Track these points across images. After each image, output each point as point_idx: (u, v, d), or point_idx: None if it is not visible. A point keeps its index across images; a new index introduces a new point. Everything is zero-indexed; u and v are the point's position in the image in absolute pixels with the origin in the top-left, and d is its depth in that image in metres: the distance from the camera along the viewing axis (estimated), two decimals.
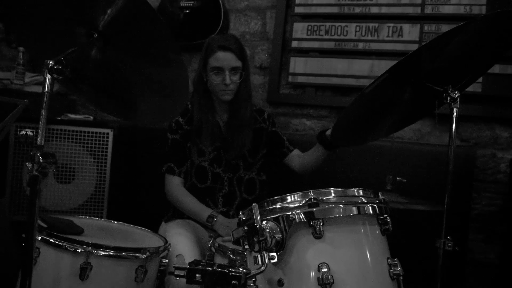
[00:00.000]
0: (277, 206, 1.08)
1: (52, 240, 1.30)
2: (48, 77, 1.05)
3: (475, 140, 2.19)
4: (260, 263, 0.96)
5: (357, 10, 2.33)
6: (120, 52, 1.20)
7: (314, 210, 1.01)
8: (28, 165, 1.02)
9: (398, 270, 1.05)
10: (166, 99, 1.26)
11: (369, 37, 2.30)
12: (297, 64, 2.41)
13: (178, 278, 0.94)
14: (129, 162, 2.38)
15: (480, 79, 2.10)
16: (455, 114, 1.30)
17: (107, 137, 2.19)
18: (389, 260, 1.06)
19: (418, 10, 2.24)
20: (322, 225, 1.00)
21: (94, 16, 1.15)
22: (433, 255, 1.35)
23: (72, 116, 2.22)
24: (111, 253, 1.30)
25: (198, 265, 0.93)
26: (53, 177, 2.11)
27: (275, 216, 1.03)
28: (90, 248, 1.28)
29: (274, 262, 0.97)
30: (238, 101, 1.85)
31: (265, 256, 0.96)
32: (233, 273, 0.92)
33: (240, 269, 0.94)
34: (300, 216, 1.01)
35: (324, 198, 1.05)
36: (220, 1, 2.50)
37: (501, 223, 2.14)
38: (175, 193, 1.83)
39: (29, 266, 1.01)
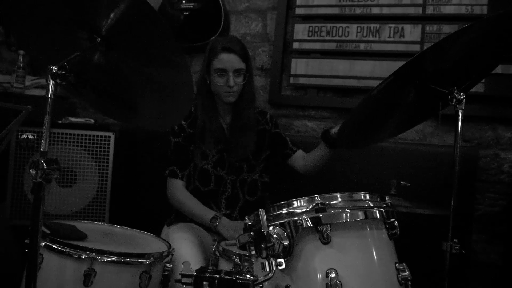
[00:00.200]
0: (283, 211, 1.07)
1: (55, 246, 1.29)
2: (51, 82, 1.03)
3: (477, 141, 2.19)
4: (267, 269, 0.95)
5: (358, 11, 2.32)
6: (123, 56, 1.19)
7: (322, 215, 1.00)
8: (32, 172, 1.00)
9: (406, 275, 1.04)
10: (170, 103, 1.24)
11: (371, 38, 2.29)
12: (299, 66, 2.40)
13: (185, 286, 0.93)
14: (131, 165, 2.37)
15: (483, 80, 2.09)
16: (460, 116, 1.29)
17: (109, 140, 2.18)
18: (397, 264, 1.05)
19: (419, 10, 2.23)
20: (330, 230, 0.99)
21: (96, 20, 1.13)
22: (437, 257, 1.34)
23: (73, 119, 2.21)
24: (115, 259, 1.29)
25: (205, 273, 0.92)
26: (55, 181, 2.09)
27: (281, 221, 1.02)
28: (94, 254, 1.27)
29: (281, 269, 0.96)
30: (241, 103, 1.84)
31: (273, 263, 0.95)
32: (241, 280, 0.91)
33: (248, 276, 0.93)
34: (308, 221, 1.00)
35: (331, 203, 1.04)
36: (221, 3, 2.49)
37: (504, 224, 2.13)
38: (177, 196, 1.82)
39: (33, 274, 0.99)
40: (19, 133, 2.03)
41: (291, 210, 1.06)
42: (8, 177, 2.07)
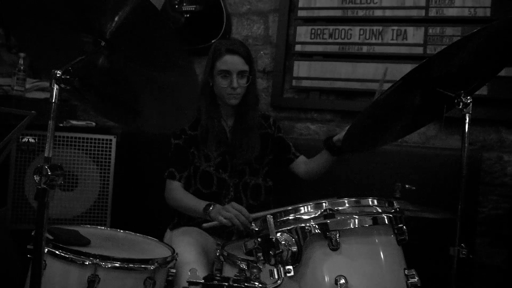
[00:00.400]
0: (290, 217, 1.06)
1: (58, 252, 1.28)
2: (55, 87, 1.02)
3: (481, 143, 2.18)
4: (276, 276, 0.93)
5: (361, 13, 2.31)
6: (127, 60, 1.18)
7: (330, 221, 0.99)
8: (36, 178, 0.99)
9: (415, 281, 1.03)
10: (175, 107, 1.23)
11: (373, 40, 2.28)
12: (301, 68, 2.39)
13: None
14: (133, 169, 2.35)
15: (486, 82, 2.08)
16: (467, 119, 1.29)
17: (110, 144, 2.16)
18: (406, 271, 1.04)
19: (422, 13, 2.22)
20: (339, 236, 0.98)
21: (101, 23, 1.12)
22: (441, 261, 1.33)
23: (75, 122, 2.19)
24: (119, 265, 1.28)
25: (213, 280, 0.90)
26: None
27: (289, 228, 1.01)
28: (98, 260, 1.26)
29: (290, 276, 0.95)
30: (245, 105, 1.84)
31: (281, 270, 0.93)
32: None
33: (256, 283, 0.92)
34: (316, 227, 0.99)
35: (339, 208, 1.03)
36: (222, 5, 2.47)
37: (508, 227, 2.12)
38: (173, 195, 1.80)
39: (37, 281, 0.98)
40: (20, 137, 2.01)
41: (298, 216, 1.05)
42: (9, 181, 2.05)
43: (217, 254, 1.49)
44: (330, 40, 2.35)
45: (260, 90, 2.47)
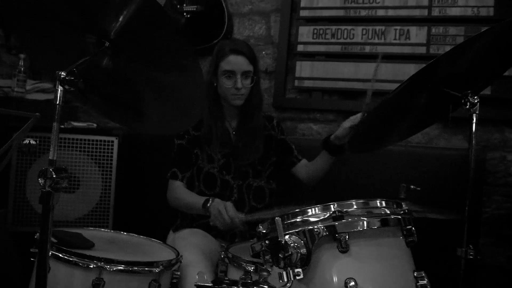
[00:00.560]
0: (298, 219, 1.04)
1: (61, 256, 1.26)
2: (60, 88, 1.00)
3: (484, 143, 2.17)
4: (285, 279, 0.92)
5: (363, 13, 2.30)
6: (131, 60, 1.16)
7: (338, 223, 0.98)
8: (41, 181, 0.97)
9: (425, 283, 1.02)
10: (180, 108, 1.22)
11: (376, 40, 2.27)
12: (303, 68, 2.38)
13: None
14: (135, 170, 2.34)
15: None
16: (474, 119, 1.28)
17: (112, 145, 2.15)
18: (415, 273, 1.03)
19: (425, 12, 2.21)
20: (348, 238, 0.97)
21: (105, 23, 1.10)
22: (446, 261, 1.32)
23: (76, 124, 2.18)
24: (124, 268, 1.27)
25: (221, 284, 0.89)
26: None
27: (297, 230, 1.00)
28: (102, 263, 1.24)
29: (299, 279, 0.93)
30: (249, 106, 1.83)
31: (290, 273, 0.92)
32: None
33: (265, 286, 0.91)
34: (324, 229, 0.98)
35: (348, 210, 1.02)
36: (224, 5, 2.46)
37: (511, 227, 2.12)
38: (174, 195, 1.79)
39: (43, 286, 0.96)
40: None
41: (306, 218, 1.04)
42: (10, 183, 2.04)
43: (222, 256, 1.47)
44: (332, 40, 2.34)
45: (262, 90, 2.46)
